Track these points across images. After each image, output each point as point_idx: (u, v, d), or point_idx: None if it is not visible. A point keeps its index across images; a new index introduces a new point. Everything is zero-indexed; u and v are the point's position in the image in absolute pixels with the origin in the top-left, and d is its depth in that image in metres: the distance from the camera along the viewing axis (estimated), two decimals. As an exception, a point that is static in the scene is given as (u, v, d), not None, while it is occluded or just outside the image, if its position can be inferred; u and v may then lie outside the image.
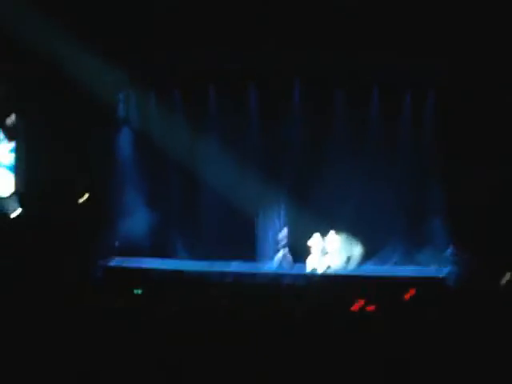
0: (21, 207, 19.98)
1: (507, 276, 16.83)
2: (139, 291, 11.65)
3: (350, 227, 19.49)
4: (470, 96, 18.40)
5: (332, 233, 19.35)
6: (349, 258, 19.13)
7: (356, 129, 19.92)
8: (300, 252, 19.38)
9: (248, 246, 19.98)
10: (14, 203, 20.00)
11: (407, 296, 11.05)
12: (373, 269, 19.14)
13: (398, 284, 16.83)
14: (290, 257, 19.41)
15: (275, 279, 17.65)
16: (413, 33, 18.01)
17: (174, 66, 19.36)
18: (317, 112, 19.77)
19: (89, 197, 20.28)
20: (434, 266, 19.00)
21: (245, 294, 12.45)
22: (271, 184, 20.21)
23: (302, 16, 17.96)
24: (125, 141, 20.93)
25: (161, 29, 18.49)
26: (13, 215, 19.80)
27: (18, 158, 20.04)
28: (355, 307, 10.16)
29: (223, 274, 18.00)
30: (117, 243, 20.16)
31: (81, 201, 20.14)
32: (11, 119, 19.99)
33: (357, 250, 19.08)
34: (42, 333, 8.17)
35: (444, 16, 17.53)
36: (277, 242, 19.65)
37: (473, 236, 18.26)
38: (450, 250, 18.81)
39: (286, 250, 19.47)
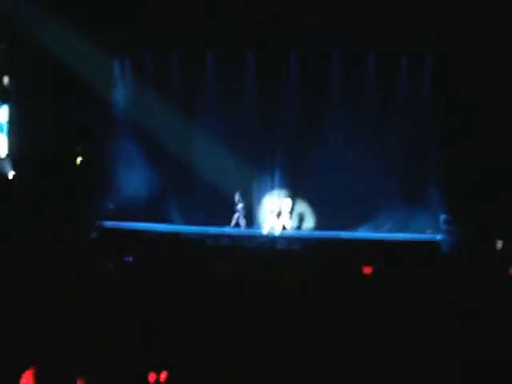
0: (13, 170, 19.92)
1: (498, 244, 16.93)
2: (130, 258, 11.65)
3: (345, 193, 19.58)
4: (467, 65, 18.32)
5: (287, 196, 19.79)
6: (301, 220, 19.83)
7: (352, 96, 19.92)
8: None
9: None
10: (8, 165, 19.96)
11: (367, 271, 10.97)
12: (367, 234, 19.22)
13: (393, 248, 16.92)
14: (241, 220, 19.93)
15: (269, 242, 17.70)
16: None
17: (172, 28, 19.24)
18: (313, 78, 19.76)
19: (84, 160, 20.22)
20: (427, 233, 19.04)
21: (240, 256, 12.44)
22: (266, 150, 20.28)
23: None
24: (120, 104, 20.87)
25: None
26: (9, 176, 19.78)
27: (11, 121, 19.95)
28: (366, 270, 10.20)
29: (218, 237, 18.05)
30: (111, 205, 20.18)
31: (76, 164, 20.07)
32: (4, 81, 19.88)
33: (307, 212, 19.77)
34: (39, 294, 8.15)
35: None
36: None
37: (465, 204, 18.28)
38: (442, 218, 18.82)
39: (237, 214, 19.88)
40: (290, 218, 19.86)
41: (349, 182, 19.69)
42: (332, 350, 6.53)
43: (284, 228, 19.56)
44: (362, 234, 19.30)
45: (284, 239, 17.91)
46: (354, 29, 18.55)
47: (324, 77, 19.90)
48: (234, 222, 19.92)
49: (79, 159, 20.29)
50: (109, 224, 19.28)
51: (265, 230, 19.47)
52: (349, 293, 8.42)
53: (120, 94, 20.90)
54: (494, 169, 18.16)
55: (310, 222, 20.01)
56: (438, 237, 18.44)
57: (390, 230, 19.54)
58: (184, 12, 18.57)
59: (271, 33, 18.85)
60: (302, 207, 19.87)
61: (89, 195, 19.40)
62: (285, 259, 12.22)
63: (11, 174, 19.96)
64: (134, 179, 19.98)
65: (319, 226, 19.52)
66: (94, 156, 20.07)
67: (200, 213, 19.95)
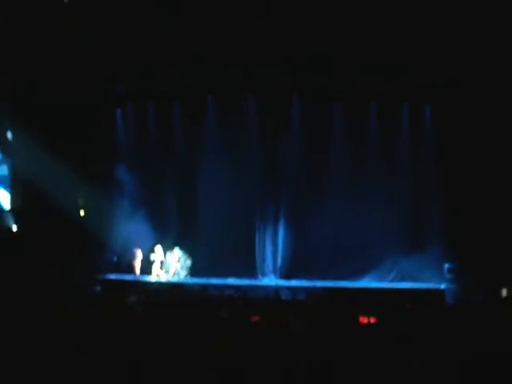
0: (15, 223, 19.96)
1: (503, 292, 16.85)
2: (134, 299, 11.64)
3: (349, 243, 19.52)
4: (468, 112, 18.41)
5: (174, 248, 20.06)
6: (182, 268, 20.03)
7: (354, 145, 19.98)
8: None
9: (246, 262, 20.03)
10: (11, 219, 20.02)
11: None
12: (372, 284, 19.17)
13: (397, 297, 16.84)
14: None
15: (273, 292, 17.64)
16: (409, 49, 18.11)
17: (173, 80, 19.38)
18: (315, 127, 19.82)
19: (87, 212, 20.24)
20: (432, 283, 18.92)
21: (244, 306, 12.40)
22: (269, 199, 20.31)
23: (300, 31, 18.00)
24: (123, 156, 20.96)
25: (160, 45, 18.51)
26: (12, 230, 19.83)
27: (14, 174, 20.04)
28: (363, 320, 10.14)
29: (222, 288, 17.98)
30: (115, 258, 20.19)
31: (78, 217, 20.08)
32: (7, 136, 20.02)
33: (188, 263, 19.99)
34: (41, 348, 8.11)
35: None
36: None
37: (470, 253, 18.21)
38: (447, 267, 18.74)
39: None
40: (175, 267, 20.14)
41: (353, 232, 19.60)
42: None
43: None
44: (367, 283, 19.19)
45: (289, 289, 17.86)
46: (354, 80, 18.75)
47: (327, 126, 19.97)
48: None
49: (82, 212, 20.28)
50: (112, 276, 19.26)
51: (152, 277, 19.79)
52: (353, 343, 8.37)
53: (122, 143, 20.99)
54: (498, 216, 18.16)
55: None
56: (443, 286, 18.34)
57: (394, 280, 19.43)
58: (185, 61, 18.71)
59: (273, 80, 19.02)
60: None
61: (91, 248, 19.39)
62: (289, 309, 12.16)
63: (14, 227, 20.00)
64: (135, 231, 20.03)
65: (323, 275, 19.36)
66: (97, 208, 20.04)
67: (203, 263, 19.84)
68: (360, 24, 17.66)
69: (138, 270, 20.01)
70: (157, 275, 19.88)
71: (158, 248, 19.98)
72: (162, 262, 20.04)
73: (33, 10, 17.84)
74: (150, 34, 18.31)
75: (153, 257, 19.97)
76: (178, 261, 20.16)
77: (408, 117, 19.77)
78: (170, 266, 20.11)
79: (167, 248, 20.11)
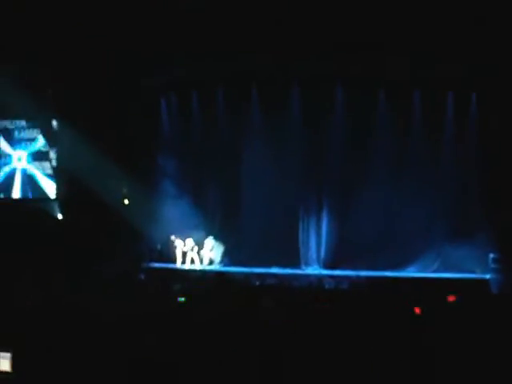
0: (61, 213, 20.21)
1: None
2: (183, 299, 11.66)
3: (392, 234, 19.43)
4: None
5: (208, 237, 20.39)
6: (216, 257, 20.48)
7: (398, 134, 19.80)
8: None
9: (290, 252, 20.04)
10: (56, 207, 20.28)
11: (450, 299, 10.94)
12: (415, 274, 19.03)
13: (441, 288, 16.70)
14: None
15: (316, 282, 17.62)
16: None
17: (217, 67, 19.40)
18: (359, 116, 19.69)
19: (131, 201, 20.40)
20: (476, 273, 18.75)
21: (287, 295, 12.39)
22: (312, 190, 20.27)
23: (343, 20, 17.88)
24: (166, 146, 21.07)
25: (204, 32, 18.49)
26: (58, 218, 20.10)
27: (58, 165, 20.28)
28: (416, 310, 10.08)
29: (264, 276, 18.04)
30: (159, 247, 20.36)
31: (122, 206, 20.24)
32: (53, 125, 20.25)
33: (221, 252, 20.51)
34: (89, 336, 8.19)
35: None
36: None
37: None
38: (491, 257, 18.53)
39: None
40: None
41: (396, 222, 19.50)
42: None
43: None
44: (410, 273, 19.07)
45: (332, 279, 17.85)
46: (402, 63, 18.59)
47: (371, 115, 19.78)
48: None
49: (126, 201, 20.45)
50: (156, 265, 19.41)
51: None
52: (399, 333, 8.33)
53: (166, 132, 21.08)
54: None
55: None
56: (488, 276, 18.17)
57: (437, 270, 19.29)
58: (229, 49, 18.69)
59: (317, 68, 18.95)
60: None
61: (135, 236, 19.55)
62: (333, 298, 12.13)
63: (60, 216, 20.25)
64: (178, 219, 20.18)
65: (367, 265, 19.25)
66: (140, 197, 20.19)
67: (247, 253, 19.91)
68: (404, 12, 17.43)
69: (179, 259, 20.17)
70: (191, 263, 20.17)
71: (192, 238, 20.25)
72: (197, 251, 20.30)
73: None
74: (191, 22, 18.30)
75: (188, 246, 20.19)
76: (212, 250, 20.39)
77: (453, 105, 19.52)
78: (204, 255, 20.33)
79: (205, 237, 20.25)
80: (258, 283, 16.49)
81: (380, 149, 19.90)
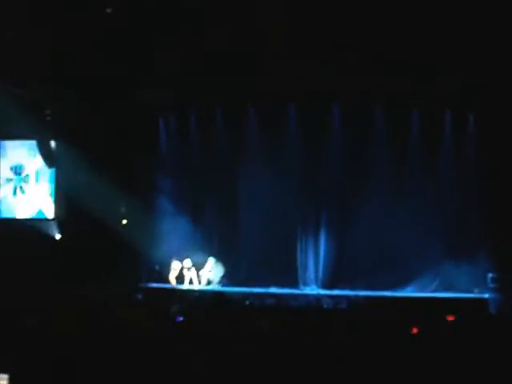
0: (60, 233, 20.20)
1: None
2: (181, 318, 11.64)
3: (390, 253, 19.39)
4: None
5: (208, 257, 20.32)
6: (215, 278, 20.32)
7: (396, 152, 19.77)
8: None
9: (288, 272, 20.00)
10: (54, 228, 20.27)
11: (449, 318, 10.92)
12: (413, 294, 19.00)
13: (440, 307, 16.69)
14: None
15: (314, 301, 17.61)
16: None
17: (215, 89, 19.44)
18: (356, 135, 19.71)
19: (129, 221, 20.39)
20: (475, 293, 18.71)
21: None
22: (311, 208, 20.25)
23: (339, 41, 17.92)
24: (164, 167, 21.08)
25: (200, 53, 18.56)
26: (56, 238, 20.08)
27: (56, 185, 20.28)
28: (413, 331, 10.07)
29: (263, 296, 18.01)
30: (157, 267, 20.32)
31: (120, 226, 20.22)
32: (51, 146, 20.27)
33: (221, 272, 20.31)
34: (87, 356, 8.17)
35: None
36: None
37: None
38: (490, 276, 18.50)
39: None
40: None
41: (395, 241, 19.42)
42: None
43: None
44: (408, 293, 19.02)
45: (330, 298, 17.82)
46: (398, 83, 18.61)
47: (369, 134, 19.80)
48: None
49: (124, 221, 20.44)
50: (154, 285, 19.37)
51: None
52: (398, 353, 8.31)
53: (164, 152, 21.09)
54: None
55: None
56: (486, 295, 18.13)
57: (436, 290, 19.24)
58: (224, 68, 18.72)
59: (313, 86, 18.97)
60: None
61: (133, 256, 19.53)
62: (332, 318, 12.10)
63: (58, 236, 20.23)
64: (178, 239, 20.16)
65: (365, 285, 19.21)
66: (138, 217, 20.18)
67: (244, 272, 19.89)
68: (403, 27, 17.45)
69: (173, 281, 20.13)
70: (189, 284, 20.14)
71: (190, 258, 20.20)
72: (196, 272, 20.24)
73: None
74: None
75: (186, 266, 20.17)
76: (211, 270, 20.31)
77: (451, 124, 19.54)
78: (202, 275, 20.26)
79: (204, 257, 20.21)
80: (248, 302, 16.47)
81: (378, 168, 19.90)
